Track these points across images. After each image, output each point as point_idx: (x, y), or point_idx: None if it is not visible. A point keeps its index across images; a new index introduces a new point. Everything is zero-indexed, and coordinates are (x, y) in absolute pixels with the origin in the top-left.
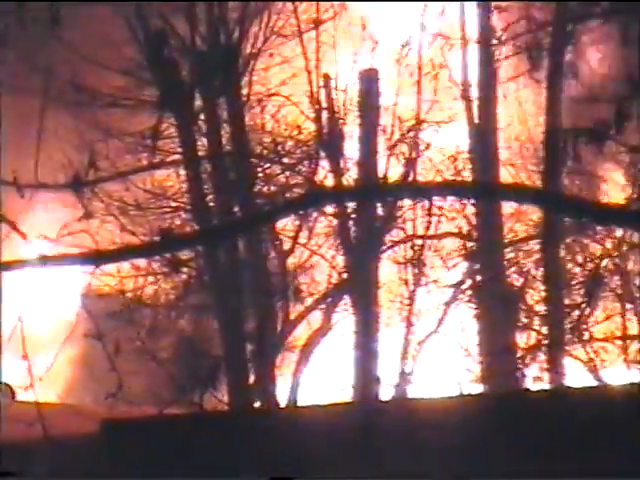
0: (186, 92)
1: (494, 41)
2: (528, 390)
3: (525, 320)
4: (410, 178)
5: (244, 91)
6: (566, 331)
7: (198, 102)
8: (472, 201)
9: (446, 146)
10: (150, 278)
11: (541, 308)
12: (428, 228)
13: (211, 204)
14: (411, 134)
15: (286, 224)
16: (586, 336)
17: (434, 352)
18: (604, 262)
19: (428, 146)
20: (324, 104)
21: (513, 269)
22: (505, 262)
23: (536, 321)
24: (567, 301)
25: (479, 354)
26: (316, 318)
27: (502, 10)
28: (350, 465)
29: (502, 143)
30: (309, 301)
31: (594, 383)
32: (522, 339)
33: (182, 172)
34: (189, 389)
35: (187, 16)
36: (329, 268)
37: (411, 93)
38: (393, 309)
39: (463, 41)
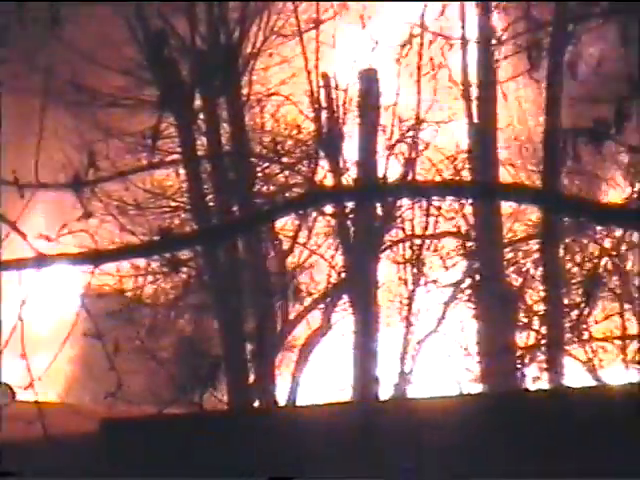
0: (186, 92)
1: (494, 41)
2: (527, 390)
3: (524, 320)
4: (409, 178)
5: (244, 91)
6: (565, 331)
7: (198, 102)
8: (471, 201)
9: (445, 146)
10: (150, 278)
11: (540, 308)
12: (427, 228)
13: (211, 204)
14: (411, 134)
15: (285, 224)
16: (585, 336)
17: (433, 352)
18: (603, 262)
19: (427, 146)
20: (324, 104)
21: (512, 269)
22: (504, 262)
23: (535, 321)
24: (566, 301)
25: (478, 354)
26: (315, 318)
27: (502, 10)
28: (349, 465)
29: (502, 143)
30: (308, 301)
31: (593, 383)
32: (521, 339)
33: (182, 172)
34: (189, 389)
35: (187, 16)
36: (328, 268)
37: (411, 93)
38: (392, 309)
39: (463, 41)
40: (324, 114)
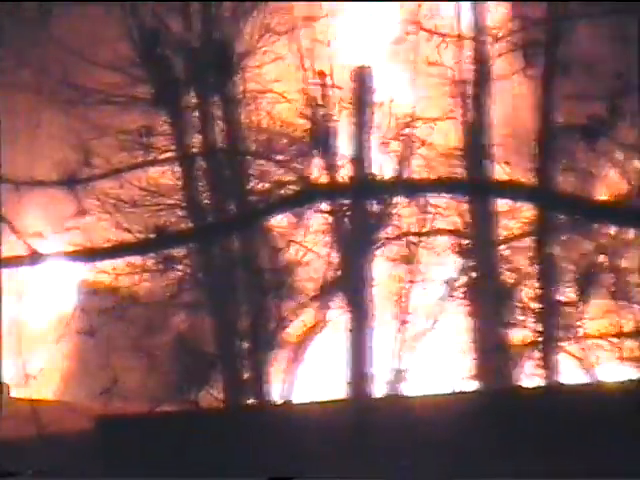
0: (180, 89)
1: (489, 39)
2: (522, 387)
3: (519, 317)
4: (404, 175)
5: (238, 88)
6: (560, 328)
7: (192, 99)
8: (466, 198)
9: (440, 143)
10: (145, 275)
11: (535, 305)
12: (422, 225)
13: (205, 201)
14: (406, 131)
15: (280, 221)
16: (580, 333)
17: (428, 349)
18: (598, 259)
19: (423, 143)
20: (318, 101)
21: (507, 266)
22: (499, 259)
23: (530, 318)
24: (561, 298)
25: (473, 351)
26: (310, 315)
27: (497, 8)
28: (344, 462)
29: (496, 140)
30: (303, 298)
31: (588, 380)
32: (516, 336)
33: (176, 169)
34: (184, 386)
35: (181, 13)
36: (323, 265)
37: (406, 90)
38: (387, 306)
39: (458, 38)
40: (319, 111)
